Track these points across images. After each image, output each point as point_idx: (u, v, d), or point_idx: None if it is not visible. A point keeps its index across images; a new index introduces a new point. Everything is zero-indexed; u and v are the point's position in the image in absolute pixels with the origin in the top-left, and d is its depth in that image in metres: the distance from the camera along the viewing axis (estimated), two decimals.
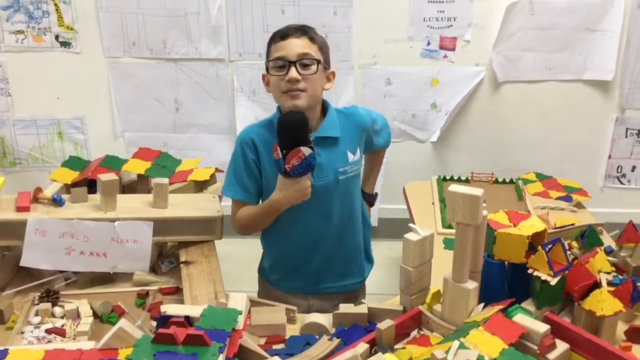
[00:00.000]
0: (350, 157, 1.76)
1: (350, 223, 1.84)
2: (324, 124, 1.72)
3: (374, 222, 2.11)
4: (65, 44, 2.83)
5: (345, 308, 1.45)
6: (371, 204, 2.03)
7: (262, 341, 1.38)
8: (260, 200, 1.76)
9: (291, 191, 1.61)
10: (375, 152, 2.00)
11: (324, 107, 1.77)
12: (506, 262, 1.39)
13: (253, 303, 1.44)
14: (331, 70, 1.73)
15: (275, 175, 1.64)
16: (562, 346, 1.17)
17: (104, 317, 1.45)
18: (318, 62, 1.64)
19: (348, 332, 1.38)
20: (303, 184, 1.60)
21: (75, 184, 1.92)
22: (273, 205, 1.66)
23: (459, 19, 2.81)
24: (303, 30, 1.65)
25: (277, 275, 1.87)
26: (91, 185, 1.87)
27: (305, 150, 1.52)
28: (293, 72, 1.60)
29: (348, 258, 1.87)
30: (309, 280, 1.84)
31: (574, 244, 1.68)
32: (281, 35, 1.64)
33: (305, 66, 1.62)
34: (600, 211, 2.32)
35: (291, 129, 1.54)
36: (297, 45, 1.62)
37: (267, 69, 1.68)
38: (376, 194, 2.07)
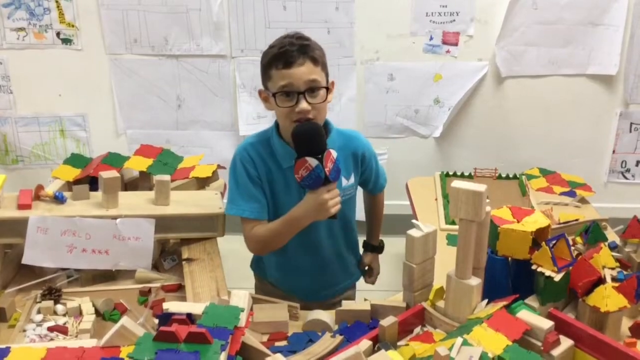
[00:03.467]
0: (344, 182, 1.71)
1: (342, 244, 1.83)
2: None
3: None
4: (66, 41, 2.83)
5: (347, 305, 1.45)
6: (379, 252, 2.02)
7: (265, 338, 1.38)
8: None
9: (309, 204, 1.54)
10: (374, 199, 1.96)
11: (326, 127, 1.68)
12: (510, 258, 1.39)
13: (255, 300, 1.44)
14: (331, 81, 1.66)
15: (281, 190, 1.65)
16: (566, 342, 1.17)
17: (106, 315, 1.45)
18: (326, 88, 1.59)
19: (351, 329, 1.37)
20: (319, 198, 1.51)
21: (77, 182, 1.92)
22: (292, 219, 1.59)
23: (461, 14, 2.80)
24: (304, 52, 1.55)
25: (272, 278, 1.86)
26: (93, 183, 1.87)
27: (312, 162, 1.47)
28: (304, 104, 1.53)
29: (338, 276, 1.87)
30: (301, 290, 1.81)
31: (578, 239, 1.68)
32: (284, 62, 1.54)
33: (312, 93, 1.56)
34: (604, 206, 2.31)
35: (305, 137, 1.51)
36: (303, 73, 1.54)
37: (265, 87, 1.62)
38: (382, 242, 2.01)
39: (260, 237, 1.64)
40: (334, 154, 1.52)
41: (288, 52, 1.53)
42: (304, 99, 1.54)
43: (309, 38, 1.60)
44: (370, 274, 1.99)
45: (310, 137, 1.51)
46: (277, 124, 1.68)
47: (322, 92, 1.58)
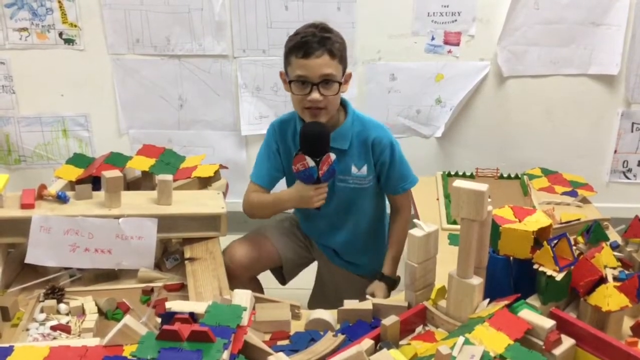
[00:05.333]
0: (354, 169, 1.81)
1: (357, 226, 1.92)
2: (335, 133, 1.77)
3: None
4: (69, 41, 2.83)
5: (349, 304, 1.45)
6: (391, 287, 1.84)
7: (267, 337, 1.38)
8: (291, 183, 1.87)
9: (296, 194, 1.74)
10: (395, 212, 1.94)
11: (345, 108, 1.82)
12: (511, 258, 1.39)
13: (257, 299, 1.44)
14: (348, 72, 1.76)
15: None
16: (567, 342, 1.17)
17: (109, 314, 1.45)
18: (339, 83, 1.69)
19: (353, 328, 1.38)
20: (305, 193, 1.70)
21: (79, 181, 1.92)
22: (278, 199, 1.80)
23: (463, 14, 2.80)
24: (323, 44, 1.64)
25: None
26: (96, 182, 1.88)
27: (310, 162, 1.63)
28: (315, 95, 1.66)
29: (355, 249, 1.96)
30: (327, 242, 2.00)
31: (580, 239, 1.68)
32: (303, 52, 1.64)
33: (326, 85, 1.66)
34: (606, 206, 2.31)
35: (309, 139, 1.65)
36: (319, 66, 1.64)
37: (285, 71, 1.74)
38: (398, 277, 1.87)
39: (251, 202, 1.85)
40: (332, 157, 1.66)
41: (309, 42, 1.64)
42: (317, 90, 1.66)
43: (332, 30, 1.71)
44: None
45: (315, 139, 1.65)
46: None
47: (335, 85, 1.69)
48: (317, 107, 1.68)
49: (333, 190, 1.82)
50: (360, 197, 1.87)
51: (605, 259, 1.44)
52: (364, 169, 1.81)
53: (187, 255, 1.64)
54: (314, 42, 1.63)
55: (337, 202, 1.86)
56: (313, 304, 2.11)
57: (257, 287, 1.99)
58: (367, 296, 1.77)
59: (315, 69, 1.64)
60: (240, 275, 1.85)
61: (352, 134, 1.79)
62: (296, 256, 2.02)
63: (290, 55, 1.68)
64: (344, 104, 1.81)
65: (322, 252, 2.02)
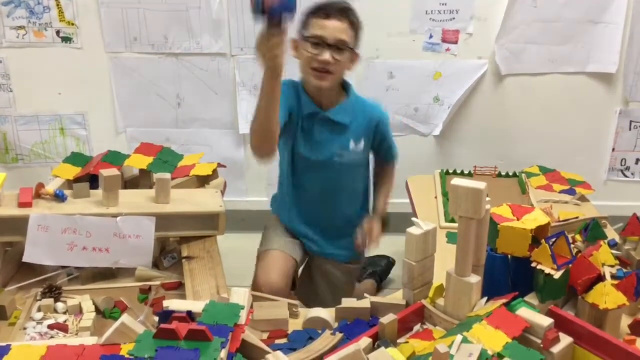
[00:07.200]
0: (352, 145, 1.87)
1: (346, 204, 1.97)
2: (337, 107, 1.84)
3: None
4: (66, 40, 2.82)
5: (347, 302, 1.45)
6: (383, 224, 2.01)
7: (265, 336, 1.38)
8: (284, 155, 1.92)
9: (262, 45, 1.42)
10: (383, 169, 2.09)
11: (346, 89, 1.89)
12: (509, 256, 1.39)
13: (255, 298, 1.44)
14: (357, 53, 1.83)
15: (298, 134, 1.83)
16: (565, 340, 1.17)
17: (107, 313, 1.45)
18: (351, 50, 1.76)
19: (351, 327, 1.38)
20: (273, 40, 1.39)
21: (77, 180, 1.92)
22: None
23: (461, 12, 2.80)
24: (345, 13, 1.74)
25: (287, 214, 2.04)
26: (93, 181, 1.87)
27: None
28: (327, 55, 1.70)
29: (342, 232, 2.00)
30: (309, 236, 2.00)
31: (578, 237, 1.68)
32: (324, 13, 1.71)
33: (338, 50, 1.72)
34: (604, 204, 2.31)
35: None
36: (337, 29, 1.71)
37: (299, 35, 1.76)
38: (387, 215, 2.03)
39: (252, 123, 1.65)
40: None
41: (331, 7, 1.71)
42: (328, 52, 1.70)
43: (353, 8, 1.78)
44: (364, 239, 1.95)
45: None
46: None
47: (347, 54, 1.75)
48: (325, 70, 1.72)
49: (330, 165, 1.87)
50: (355, 173, 1.95)
51: (603, 257, 1.44)
52: (361, 145, 1.89)
53: (185, 253, 1.64)
54: (336, 8, 1.72)
55: (330, 178, 1.90)
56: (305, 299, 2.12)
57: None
58: (361, 233, 1.94)
59: (332, 31, 1.70)
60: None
61: (355, 111, 1.87)
62: (303, 255, 2.04)
63: (310, 17, 1.73)
64: (345, 86, 1.89)
65: (307, 246, 2.04)
